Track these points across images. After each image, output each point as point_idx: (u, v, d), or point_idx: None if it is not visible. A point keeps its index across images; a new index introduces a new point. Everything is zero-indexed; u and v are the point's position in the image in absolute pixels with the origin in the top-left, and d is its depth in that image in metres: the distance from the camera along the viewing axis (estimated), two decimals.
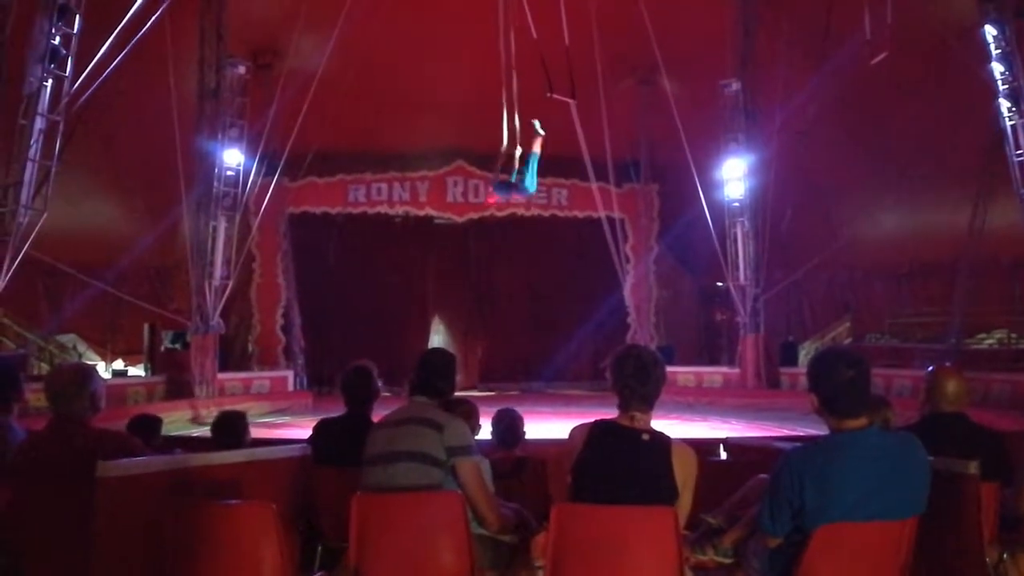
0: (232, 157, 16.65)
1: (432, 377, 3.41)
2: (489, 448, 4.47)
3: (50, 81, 12.11)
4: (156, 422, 5.02)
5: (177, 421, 14.06)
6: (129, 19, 12.71)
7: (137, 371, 17.97)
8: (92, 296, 16.55)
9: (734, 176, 17.83)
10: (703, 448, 5.15)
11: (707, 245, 18.26)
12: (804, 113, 15.71)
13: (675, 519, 2.67)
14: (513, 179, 10.68)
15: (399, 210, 20.97)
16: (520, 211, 20.42)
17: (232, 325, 19.01)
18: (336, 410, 4.25)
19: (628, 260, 20.74)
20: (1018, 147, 12.82)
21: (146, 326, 17.76)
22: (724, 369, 19.36)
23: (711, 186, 17.87)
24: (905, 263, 17.85)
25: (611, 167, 17.74)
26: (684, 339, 21.35)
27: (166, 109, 14.36)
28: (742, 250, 17.96)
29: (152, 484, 3.10)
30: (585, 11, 13.43)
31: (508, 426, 4.72)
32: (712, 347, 22.00)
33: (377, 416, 3.66)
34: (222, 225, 16.68)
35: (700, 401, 17.82)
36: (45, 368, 15.73)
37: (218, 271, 16.70)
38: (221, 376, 17.00)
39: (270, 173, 17.61)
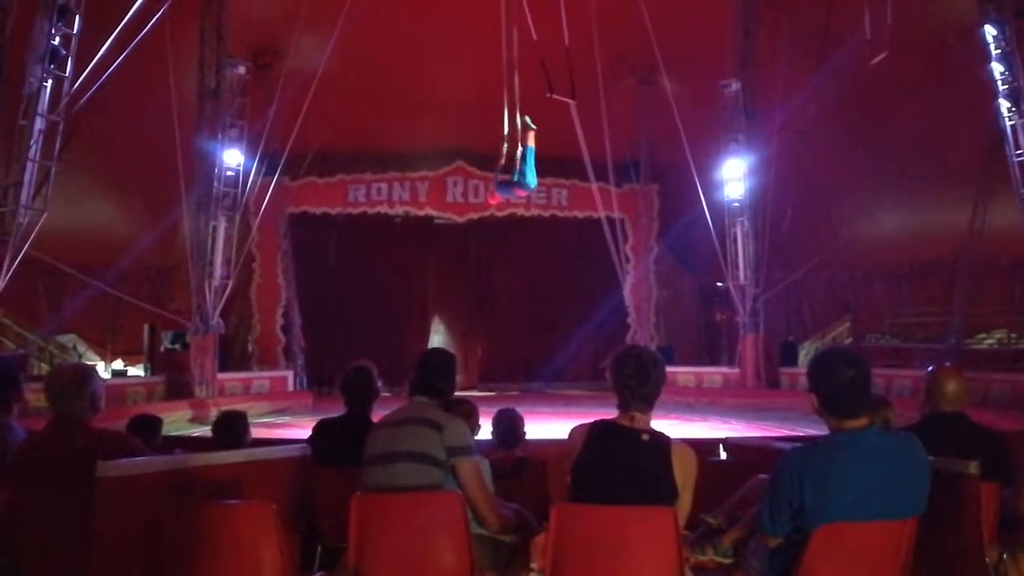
0: (232, 157, 16.65)
1: (432, 377, 3.41)
2: (489, 448, 4.47)
3: (50, 81, 12.11)
4: (156, 422, 5.02)
5: (177, 421, 14.07)
6: (129, 19, 12.71)
7: (137, 371, 17.97)
8: (92, 296, 16.56)
9: (734, 176, 17.83)
10: (703, 448, 5.15)
11: (707, 245, 18.27)
12: (804, 113, 15.71)
13: (675, 519, 2.67)
14: (515, 178, 10.70)
15: (399, 210, 20.97)
16: (520, 211, 20.44)
17: (232, 325, 19.01)
18: (336, 410, 4.25)
19: (628, 260, 20.74)
20: (1018, 147, 12.82)
21: (146, 326, 17.76)
22: (724, 369, 19.36)
23: (711, 186, 17.88)
24: (905, 263, 17.85)
25: (611, 167, 17.75)
26: (684, 339, 21.35)
27: (166, 109, 14.36)
28: (742, 250, 17.96)
29: (152, 484, 3.11)
30: (585, 11, 13.43)
31: (508, 426, 4.72)
32: (712, 347, 22.00)
33: (377, 416, 3.66)
34: (222, 225, 16.68)
35: (700, 401, 17.83)
36: (45, 368, 15.73)
37: (218, 271, 16.70)
38: (221, 376, 16.99)
39: (270, 173, 17.61)
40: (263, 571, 2.87)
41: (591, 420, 2.95)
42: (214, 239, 16.54)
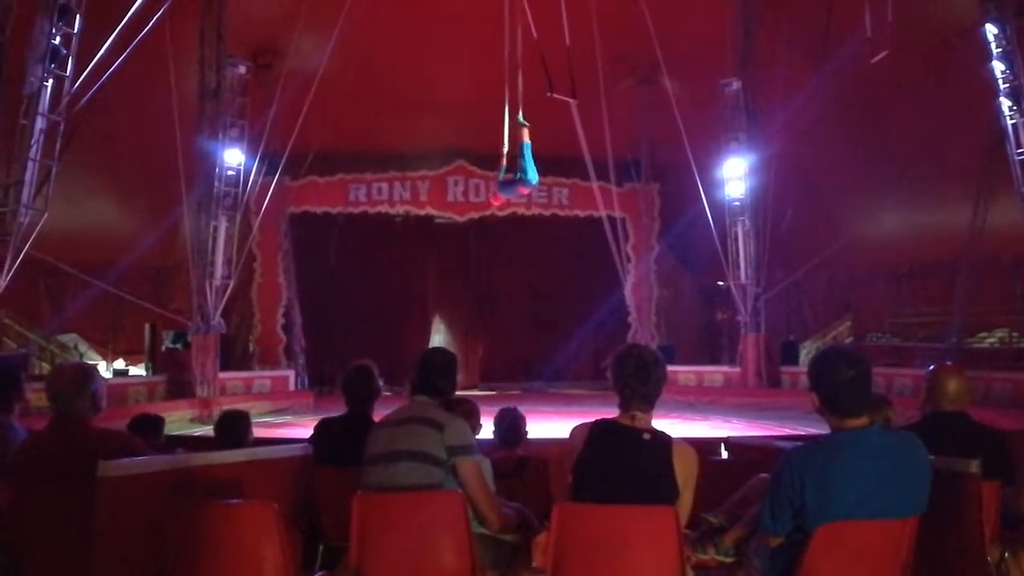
0: (233, 157, 16.66)
1: (433, 376, 3.41)
2: (491, 447, 4.47)
3: (51, 81, 12.12)
4: (158, 421, 5.02)
5: (178, 421, 14.07)
6: (129, 19, 12.73)
7: (138, 371, 17.98)
8: (93, 296, 16.56)
9: (735, 175, 17.83)
10: (704, 447, 5.15)
11: (708, 244, 18.28)
12: (805, 112, 15.70)
13: (676, 518, 2.67)
14: (517, 176, 10.73)
15: (400, 210, 20.98)
16: (521, 210, 20.43)
17: (233, 325, 19.02)
18: (337, 410, 4.25)
19: (629, 259, 20.73)
20: (1019, 146, 12.81)
21: (147, 326, 17.79)
22: (725, 368, 19.36)
23: (712, 185, 17.88)
24: (906, 262, 17.84)
25: (612, 166, 17.78)
26: (685, 338, 21.35)
27: (167, 109, 14.37)
28: (743, 249, 17.96)
29: (153, 484, 3.10)
30: (586, 11, 13.44)
31: (510, 426, 4.72)
32: (713, 346, 22.01)
33: (378, 416, 3.66)
34: (223, 225, 16.68)
35: (701, 400, 17.84)
36: (46, 368, 15.75)
37: (219, 271, 16.70)
38: (222, 376, 17.01)
39: (271, 173, 17.62)
40: (265, 570, 2.87)
41: (592, 419, 2.95)
42: (215, 239, 16.54)
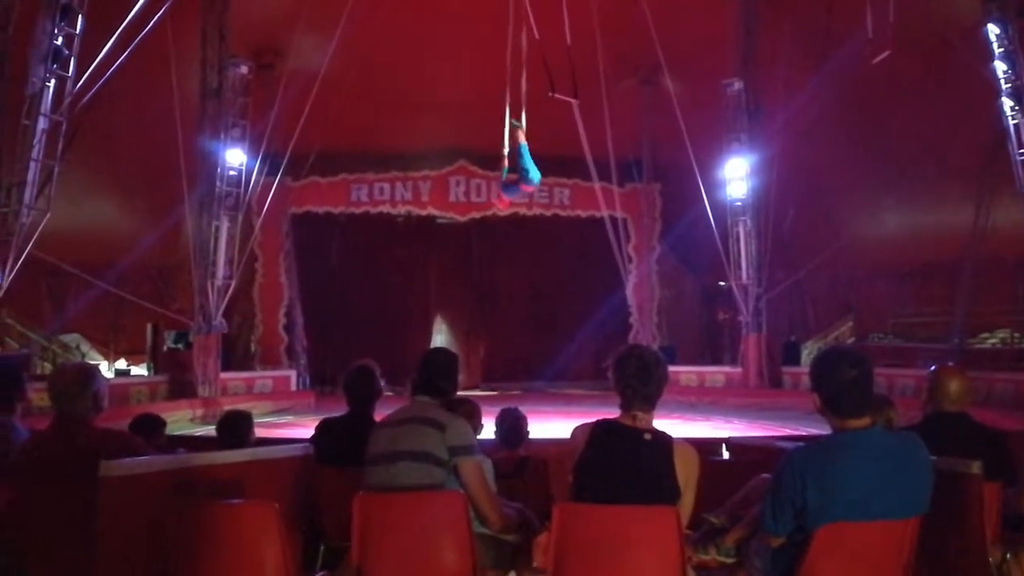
0: (234, 157, 16.67)
1: (434, 377, 3.42)
2: (492, 447, 4.47)
3: (53, 81, 12.11)
4: (159, 422, 5.02)
5: (180, 421, 14.08)
6: (131, 19, 12.73)
7: (140, 371, 17.99)
8: (95, 296, 16.57)
9: (736, 176, 17.82)
10: (705, 448, 5.15)
11: (709, 244, 18.26)
12: (806, 112, 15.70)
13: (677, 519, 2.67)
14: (519, 176, 10.75)
15: (401, 210, 20.96)
16: (522, 210, 20.40)
17: (235, 325, 19.01)
18: (338, 410, 4.25)
19: (630, 260, 20.72)
20: (1021, 146, 12.78)
21: (149, 326, 17.79)
22: (726, 369, 19.35)
23: (713, 185, 17.87)
24: (907, 263, 17.82)
25: (613, 167, 17.77)
26: (686, 339, 21.33)
27: (168, 109, 14.38)
28: (744, 249, 17.96)
29: (155, 484, 3.11)
30: (587, 11, 13.43)
31: (512, 426, 4.72)
32: (714, 347, 21.99)
33: (379, 416, 3.66)
34: (224, 225, 16.69)
35: (702, 401, 17.82)
36: (48, 368, 15.77)
37: (220, 271, 16.71)
38: (224, 376, 17.00)
39: (272, 173, 17.62)
40: (266, 570, 2.87)
41: (593, 420, 2.95)
42: (217, 239, 16.55)
